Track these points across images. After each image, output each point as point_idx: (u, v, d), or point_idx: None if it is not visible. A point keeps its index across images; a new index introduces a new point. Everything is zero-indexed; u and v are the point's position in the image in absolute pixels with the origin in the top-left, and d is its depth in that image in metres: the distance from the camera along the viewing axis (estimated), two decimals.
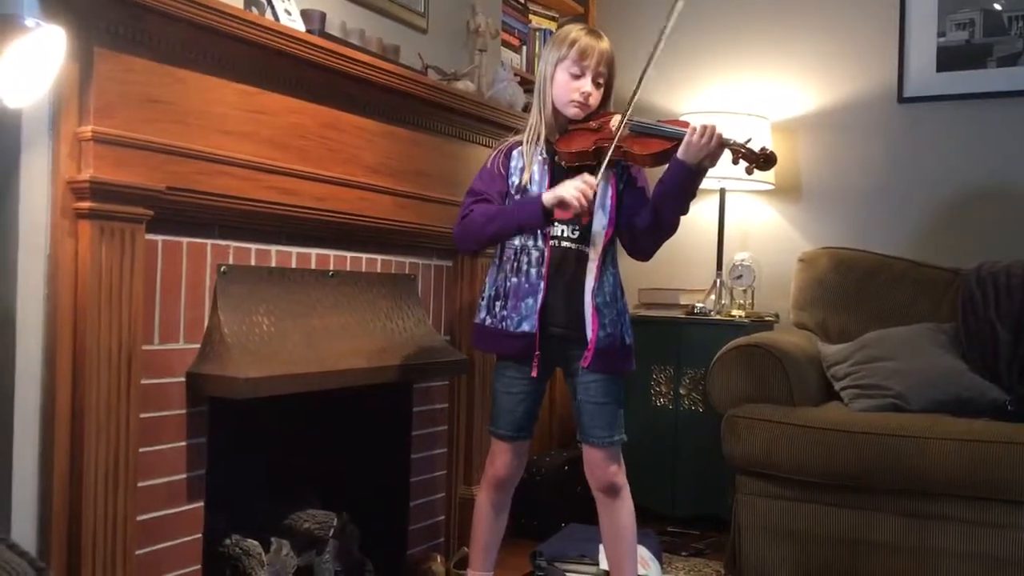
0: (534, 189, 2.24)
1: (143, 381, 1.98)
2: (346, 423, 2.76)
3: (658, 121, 2.24)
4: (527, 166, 2.25)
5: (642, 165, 2.23)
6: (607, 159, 2.13)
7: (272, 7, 2.31)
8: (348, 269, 2.57)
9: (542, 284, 2.21)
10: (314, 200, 2.34)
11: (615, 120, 2.19)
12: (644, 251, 2.27)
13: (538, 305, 2.21)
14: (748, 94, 3.92)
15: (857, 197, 3.76)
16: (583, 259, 2.23)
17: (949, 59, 3.61)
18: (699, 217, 3.85)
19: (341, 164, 2.44)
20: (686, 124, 2.13)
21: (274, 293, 2.31)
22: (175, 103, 2.00)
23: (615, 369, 2.26)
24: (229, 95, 2.13)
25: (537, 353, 2.22)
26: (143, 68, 1.93)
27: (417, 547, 2.83)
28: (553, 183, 2.22)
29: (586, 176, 2.11)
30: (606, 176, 2.22)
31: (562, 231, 2.23)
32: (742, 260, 3.74)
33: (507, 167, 2.28)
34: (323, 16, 2.44)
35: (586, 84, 2.22)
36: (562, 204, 2.09)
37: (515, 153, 2.30)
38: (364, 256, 2.63)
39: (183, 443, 2.10)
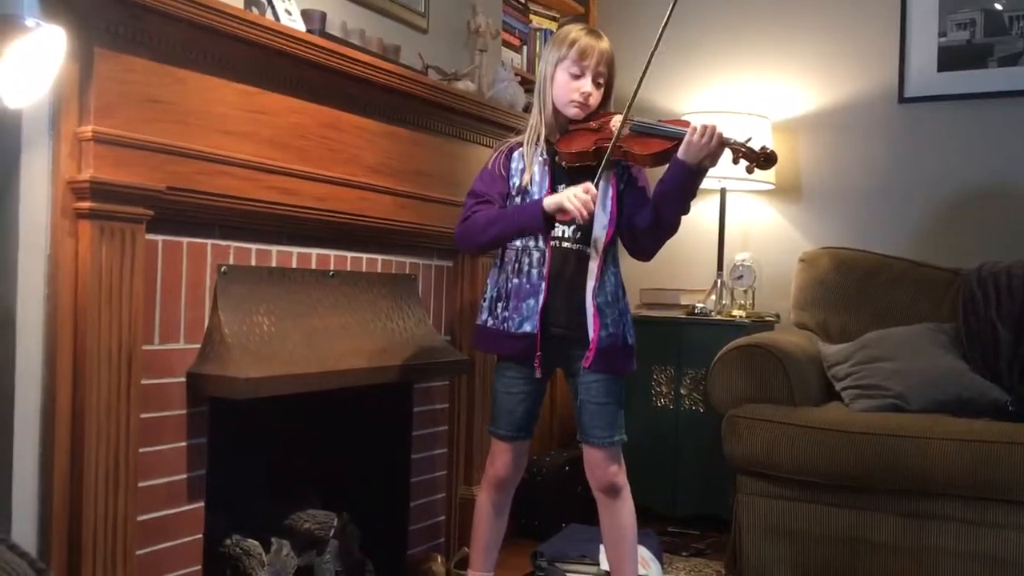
0: (535, 190, 2.24)
1: (143, 381, 1.98)
2: (347, 423, 2.76)
3: (658, 121, 2.24)
4: (528, 167, 2.25)
5: (643, 165, 2.23)
6: (607, 159, 2.13)
7: (272, 7, 2.31)
8: (348, 269, 2.57)
9: (543, 285, 2.21)
10: (314, 200, 2.34)
11: (615, 120, 2.19)
12: (645, 251, 2.27)
13: (539, 306, 2.20)
14: (749, 94, 3.92)
15: (858, 197, 3.76)
16: (584, 259, 2.23)
17: (950, 59, 3.61)
18: (700, 217, 3.85)
19: (341, 164, 2.44)
20: (687, 124, 2.13)
21: (274, 293, 2.31)
22: (175, 103, 2.00)
23: (616, 369, 2.26)
24: (229, 95, 2.13)
25: (538, 354, 2.21)
26: (143, 68, 1.93)
27: (417, 547, 2.83)
28: (554, 183, 2.23)
29: (588, 185, 2.11)
30: (607, 176, 2.22)
31: (563, 232, 2.23)
32: (743, 260, 3.73)
33: (508, 168, 2.28)
34: (323, 16, 2.44)
35: (586, 84, 2.22)
36: (563, 211, 2.11)
37: (516, 154, 2.30)
38: (364, 256, 2.63)
39: (183, 443, 2.10)
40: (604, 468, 2.27)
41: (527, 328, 2.21)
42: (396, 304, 2.70)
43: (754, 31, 3.94)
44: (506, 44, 3.70)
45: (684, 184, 2.13)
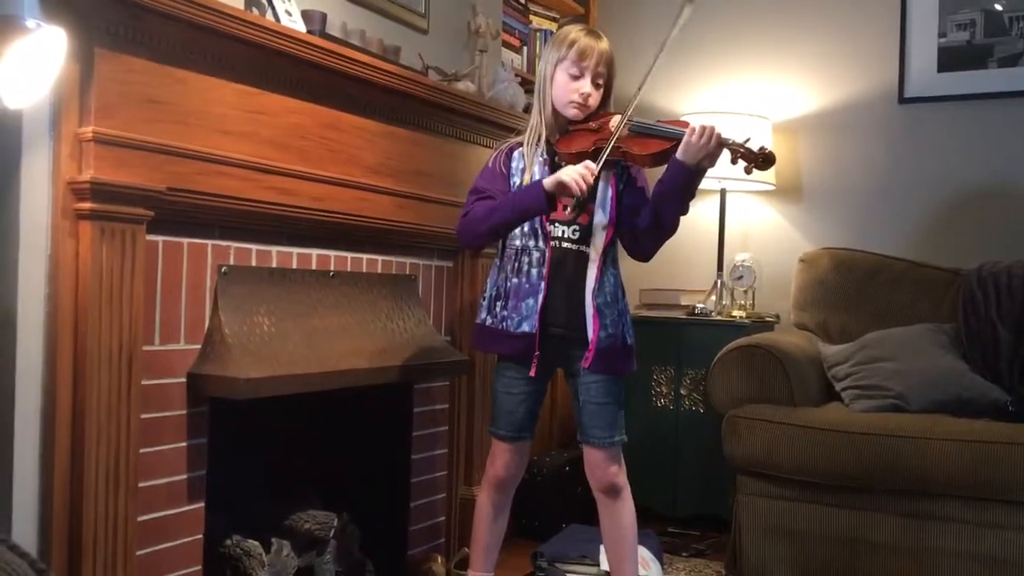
0: None
1: (144, 382, 1.98)
2: (347, 424, 2.76)
3: (657, 121, 2.24)
4: (528, 167, 2.26)
5: (641, 165, 2.23)
6: (605, 154, 2.13)
7: (273, 8, 2.31)
8: (349, 270, 2.57)
9: (543, 284, 2.21)
10: (314, 200, 2.34)
11: (615, 120, 2.19)
12: (644, 251, 2.27)
13: (539, 305, 2.21)
14: (749, 94, 3.92)
15: (858, 198, 3.76)
16: (584, 260, 2.23)
17: (950, 59, 3.61)
18: (700, 218, 3.86)
19: (341, 165, 2.44)
20: (685, 124, 2.13)
21: (275, 294, 2.31)
22: (175, 103, 2.00)
23: (616, 370, 2.26)
24: (229, 96, 2.13)
25: (537, 353, 2.22)
26: (143, 69, 1.93)
27: (418, 548, 2.83)
28: None
29: (587, 162, 2.11)
30: (606, 177, 2.22)
31: (563, 232, 2.23)
32: (743, 261, 3.74)
33: (508, 167, 2.29)
34: (324, 17, 2.44)
35: (585, 85, 2.22)
36: (562, 187, 2.10)
37: (516, 154, 2.30)
38: (365, 257, 2.63)
39: (184, 443, 2.10)
40: (604, 468, 2.28)
41: (526, 328, 2.21)
42: (396, 304, 2.70)
43: (754, 32, 3.94)
44: (506, 45, 3.70)
45: (683, 184, 2.13)
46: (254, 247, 2.28)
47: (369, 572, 2.63)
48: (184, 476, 2.11)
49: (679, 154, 2.10)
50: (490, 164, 2.32)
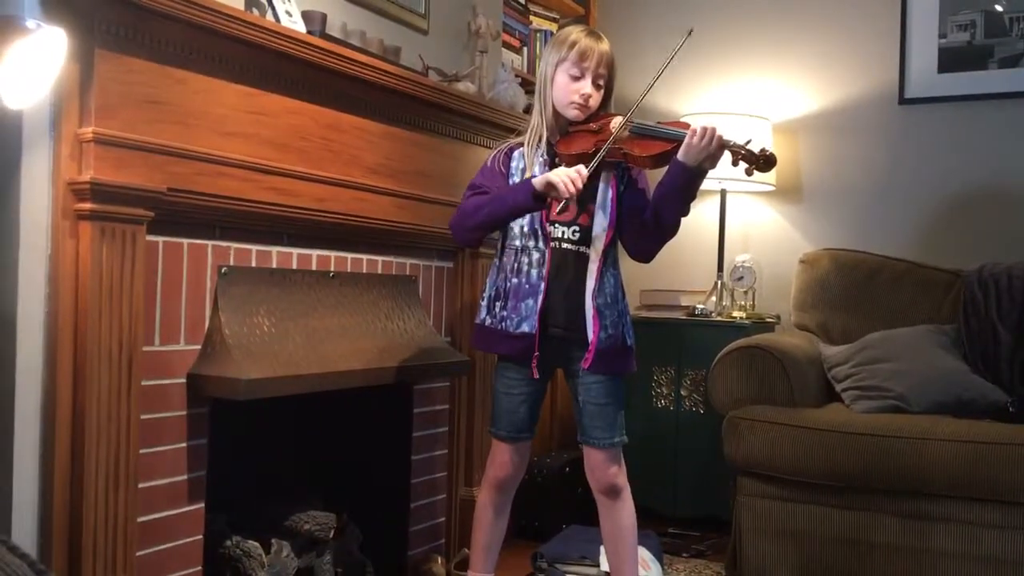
0: None
1: (144, 382, 1.98)
2: (347, 424, 2.76)
3: (658, 122, 2.24)
4: (528, 167, 2.26)
5: (642, 167, 2.23)
6: (602, 154, 2.13)
7: (273, 8, 2.31)
8: (349, 270, 2.57)
9: (542, 285, 2.21)
10: (314, 201, 2.34)
11: (616, 122, 2.19)
12: (645, 253, 2.27)
13: (538, 306, 2.20)
14: (749, 95, 3.92)
15: (858, 198, 3.76)
16: (584, 260, 2.23)
17: (950, 60, 3.61)
18: (700, 218, 3.85)
19: (342, 165, 2.44)
20: (686, 126, 2.13)
21: (275, 294, 2.31)
22: (176, 104, 2.00)
23: (616, 370, 2.26)
24: (230, 96, 2.13)
25: (536, 354, 2.21)
26: (144, 69, 1.93)
27: (418, 548, 2.83)
28: None
29: (580, 166, 2.11)
30: (607, 178, 2.22)
31: (563, 233, 2.23)
32: (743, 261, 3.74)
33: (508, 166, 2.28)
34: (324, 17, 2.44)
35: (586, 86, 2.22)
36: (550, 187, 2.09)
37: (516, 154, 2.30)
38: (365, 257, 2.63)
39: (184, 444, 2.10)
40: (604, 469, 2.27)
41: (525, 328, 2.21)
42: (396, 305, 2.70)
43: (754, 32, 3.94)
44: (506, 45, 3.70)
45: (684, 186, 2.13)
46: (254, 248, 2.28)
47: (369, 573, 2.63)
48: (184, 477, 2.11)
49: (680, 155, 2.09)
50: (489, 163, 2.32)
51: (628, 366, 2.29)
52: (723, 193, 3.78)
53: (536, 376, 2.24)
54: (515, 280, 2.24)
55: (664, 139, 2.16)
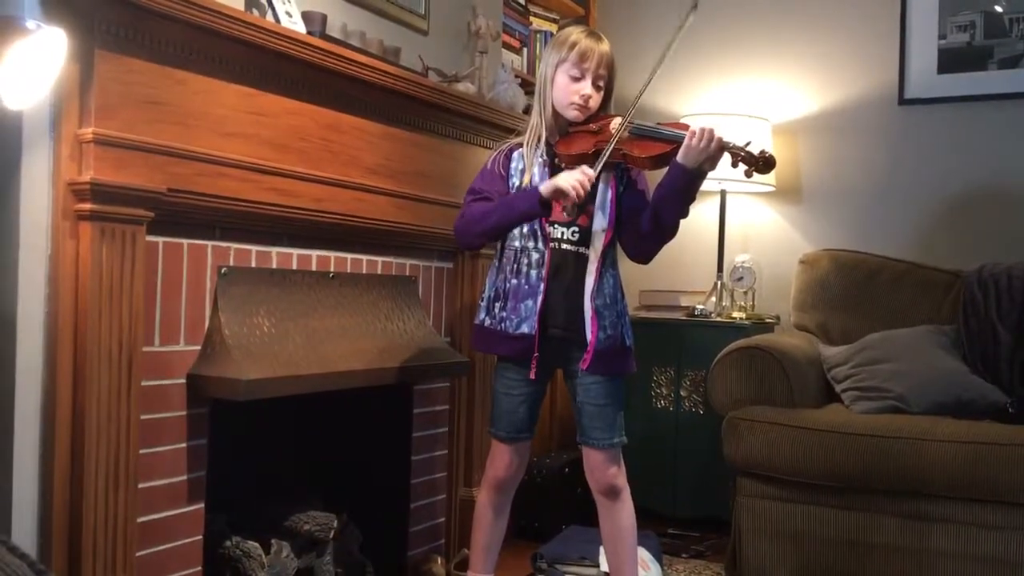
0: None
1: (144, 383, 1.98)
2: (347, 425, 2.76)
3: (658, 124, 2.24)
4: (527, 168, 2.26)
5: (642, 168, 2.23)
6: (605, 156, 2.13)
7: (273, 9, 2.31)
8: (348, 271, 2.57)
9: (542, 286, 2.21)
10: (314, 201, 2.34)
11: (615, 122, 2.19)
12: (644, 254, 2.27)
13: (538, 307, 2.20)
14: (749, 96, 3.92)
15: (858, 199, 3.76)
16: (583, 261, 2.23)
17: (950, 61, 3.61)
18: (700, 219, 3.85)
19: (341, 166, 2.44)
20: (686, 127, 2.13)
21: (275, 294, 2.31)
22: (176, 104, 2.00)
23: (615, 371, 2.26)
24: (230, 97, 2.13)
25: (536, 355, 2.22)
26: (144, 70, 1.93)
27: (418, 549, 2.83)
28: None
29: (584, 167, 2.11)
30: (606, 179, 2.22)
31: (562, 233, 2.23)
32: (743, 262, 3.74)
33: (507, 168, 2.28)
34: (324, 18, 2.44)
35: (586, 87, 2.22)
36: (559, 193, 2.09)
37: (515, 155, 2.30)
38: (364, 258, 2.63)
39: (183, 444, 2.10)
40: (604, 470, 2.27)
41: (525, 329, 2.21)
42: (396, 305, 2.70)
43: (754, 33, 3.94)
44: (506, 46, 3.70)
45: (683, 188, 2.13)
46: (254, 248, 2.28)
47: (369, 573, 2.63)
48: (184, 477, 2.11)
49: (679, 157, 2.09)
50: (489, 165, 2.32)
51: (627, 367, 2.29)
52: (723, 194, 3.78)
53: (535, 377, 2.25)
54: (514, 281, 2.24)
55: (664, 140, 2.16)
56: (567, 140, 2.25)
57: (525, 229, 2.24)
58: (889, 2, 3.70)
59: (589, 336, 2.20)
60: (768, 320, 3.69)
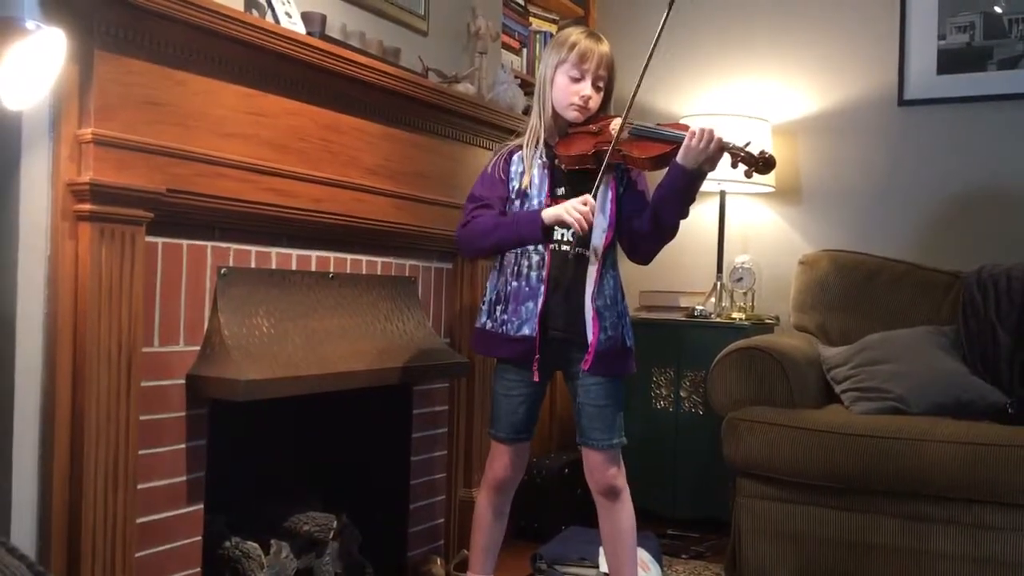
0: (534, 193, 2.24)
1: (143, 383, 1.98)
2: (346, 425, 2.76)
3: (658, 124, 2.24)
4: (527, 170, 2.25)
5: (641, 168, 2.23)
6: (606, 163, 2.13)
7: (272, 9, 2.31)
8: (348, 271, 2.57)
9: (542, 288, 2.21)
10: (314, 202, 2.34)
11: (615, 123, 2.19)
12: (644, 255, 2.27)
13: (538, 309, 2.20)
14: (749, 97, 3.92)
15: (858, 200, 3.76)
16: (583, 262, 2.23)
17: (949, 62, 3.61)
18: (699, 220, 3.85)
19: (341, 166, 2.44)
20: (685, 127, 2.13)
21: (274, 295, 2.31)
22: (175, 105, 2.00)
23: (615, 372, 2.26)
24: (229, 97, 2.13)
25: (537, 357, 2.21)
26: (143, 70, 1.93)
27: (417, 550, 2.83)
28: (553, 187, 2.23)
29: (586, 197, 2.12)
30: (606, 180, 2.22)
31: (562, 235, 2.23)
32: (742, 263, 3.74)
33: (507, 171, 2.28)
34: (323, 19, 2.44)
35: (585, 87, 2.22)
36: (562, 224, 2.14)
37: (515, 157, 2.30)
38: (364, 258, 2.63)
39: (183, 445, 2.10)
40: (603, 471, 2.27)
41: (526, 331, 2.21)
42: (396, 306, 2.70)
43: (754, 34, 3.94)
44: (506, 47, 3.70)
45: (683, 188, 2.13)
46: (253, 248, 2.28)
47: (368, 574, 2.63)
48: (183, 478, 2.11)
49: (679, 158, 2.10)
50: (489, 169, 2.32)
51: (628, 368, 2.29)
52: (722, 194, 3.78)
53: (536, 379, 2.24)
54: (515, 283, 2.24)
55: (663, 141, 2.16)
56: (567, 141, 2.25)
57: None
58: (889, 3, 3.70)
59: (590, 337, 2.20)
60: (768, 321, 3.69)
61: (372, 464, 2.80)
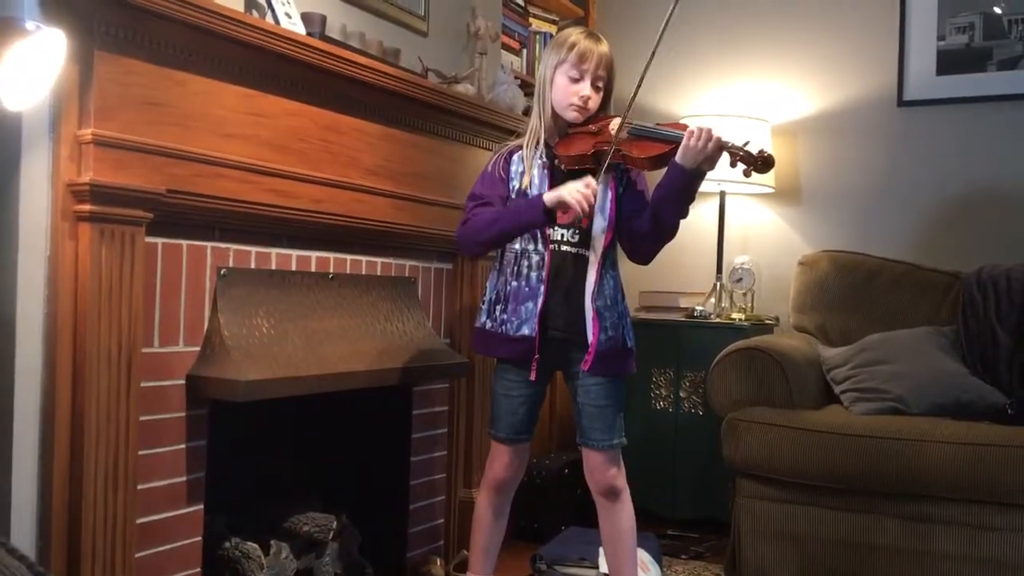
0: (534, 193, 2.23)
1: (143, 384, 1.98)
2: (346, 426, 2.76)
3: (657, 124, 2.24)
4: (527, 170, 2.26)
5: (641, 168, 2.23)
6: (606, 163, 2.13)
7: (272, 10, 2.31)
8: (348, 272, 2.57)
9: (542, 288, 2.21)
10: (313, 203, 2.34)
11: (614, 123, 2.19)
12: (644, 255, 2.27)
13: (538, 309, 2.20)
14: (749, 97, 3.92)
15: (857, 200, 3.76)
16: (583, 263, 2.23)
17: (949, 62, 3.61)
18: (699, 220, 3.86)
19: (341, 167, 2.44)
20: (684, 127, 2.13)
21: (274, 295, 2.31)
22: (175, 106, 2.00)
23: (615, 372, 2.26)
24: (229, 98, 2.13)
25: (537, 357, 2.21)
26: (143, 71, 1.93)
27: (417, 550, 2.83)
28: (553, 186, 2.23)
29: (588, 179, 2.11)
30: (605, 180, 2.22)
31: (562, 235, 2.23)
32: (742, 263, 3.74)
33: (507, 171, 2.28)
34: (323, 19, 2.44)
35: (585, 88, 2.22)
36: (563, 206, 2.10)
37: (515, 157, 2.30)
38: (364, 259, 2.63)
39: (183, 446, 2.10)
40: (603, 471, 2.27)
41: (525, 331, 2.21)
42: (396, 306, 2.70)
43: (754, 34, 3.95)
44: (505, 47, 3.70)
45: (682, 188, 2.13)
46: (253, 249, 2.28)
47: (368, 574, 2.63)
48: (183, 478, 2.11)
49: (678, 158, 2.10)
50: (489, 168, 2.32)
51: (628, 368, 2.29)
52: (722, 195, 3.78)
53: (536, 379, 2.24)
54: (515, 283, 2.24)
55: (662, 141, 2.16)
56: (566, 141, 2.25)
57: None
58: (888, 3, 3.70)
59: (590, 338, 2.20)
60: (767, 321, 3.69)
61: (372, 464, 2.80)
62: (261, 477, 2.58)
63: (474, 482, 2.96)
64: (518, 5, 3.86)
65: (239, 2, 2.32)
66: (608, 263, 2.25)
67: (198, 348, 2.13)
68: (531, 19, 3.97)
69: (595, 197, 2.10)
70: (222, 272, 2.18)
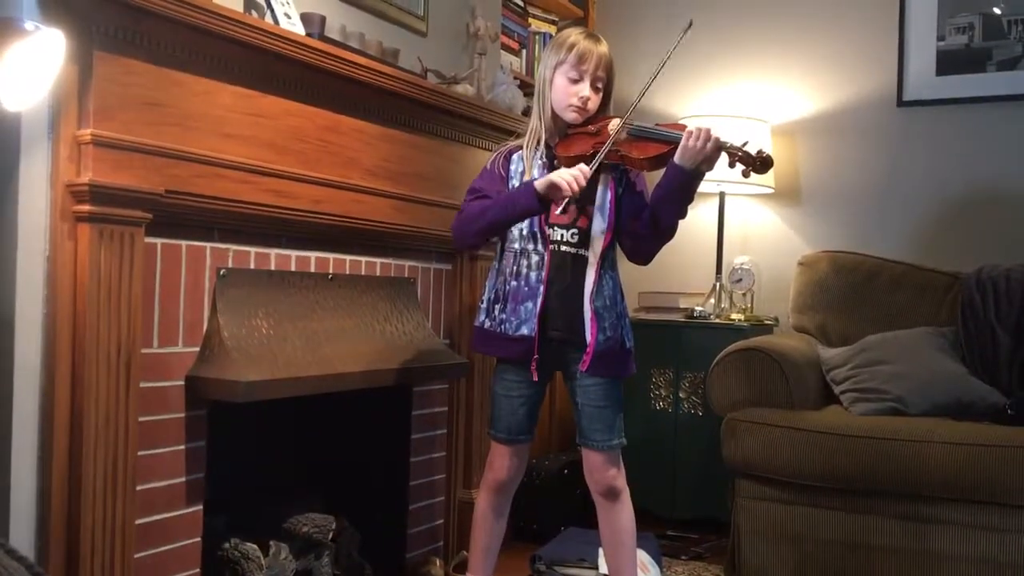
0: None
1: (142, 384, 1.98)
2: (345, 426, 2.76)
3: (656, 125, 2.24)
4: (527, 170, 2.26)
5: (640, 169, 2.23)
6: (601, 156, 2.13)
7: (272, 10, 2.31)
8: (347, 272, 2.57)
9: (541, 288, 2.21)
10: (313, 203, 2.34)
11: (614, 124, 2.19)
12: (643, 255, 2.27)
13: (537, 309, 2.20)
14: (748, 98, 3.92)
15: (857, 200, 3.76)
16: (582, 263, 2.23)
17: (948, 63, 3.61)
18: (699, 220, 3.86)
19: (340, 167, 2.44)
20: (683, 127, 2.13)
21: (273, 296, 2.31)
22: (174, 106, 2.00)
23: (614, 373, 2.26)
24: (228, 98, 2.13)
25: (536, 357, 2.21)
26: (142, 71, 1.93)
27: (416, 551, 2.83)
28: None
29: (581, 165, 2.11)
30: (605, 181, 2.22)
31: (561, 235, 2.23)
32: (742, 264, 3.74)
33: (507, 169, 2.28)
34: (323, 19, 2.44)
35: (584, 88, 2.22)
36: (554, 188, 2.10)
37: (515, 157, 2.30)
38: (363, 259, 2.63)
39: (182, 446, 2.10)
40: (603, 472, 2.27)
41: (525, 331, 2.21)
42: (395, 307, 2.70)
43: (753, 35, 3.95)
44: (505, 48, 3.70)
45: (681, 188, 2.13)
46: (253, 250, 2.28)
47: (367, 575, 2.63)
48: (183, 479, 2.11)
49: (676, 158, 2.10)
50: (489, 166, 2.32)
51: (627, 369, 2.29)
52: (722, 195, 3.78)
53: (535, 379, 2.24)
54: (514, 283, 2.24)
55: (661, 141, 2.16)
56: (566, 142, 2.25)
57: (525, 231, 2.24)
58: (888, 4, 3.70)
59: (589, 338, 2.20)
60: (767, 322, 3.69)
61: (371, 465, 2.80)
62: (261, 477, 2.58)
63: (474, 483, 2.96)
64: (517, 5, 3.86)
65: (239, 2, 2.32)
66: (607, 264, 2.25)
67: (197, 349, 2.13)
68: (530, 19, 3.97)
69: (586, 181, 2.10)
70: (221, 273, 2.18)
